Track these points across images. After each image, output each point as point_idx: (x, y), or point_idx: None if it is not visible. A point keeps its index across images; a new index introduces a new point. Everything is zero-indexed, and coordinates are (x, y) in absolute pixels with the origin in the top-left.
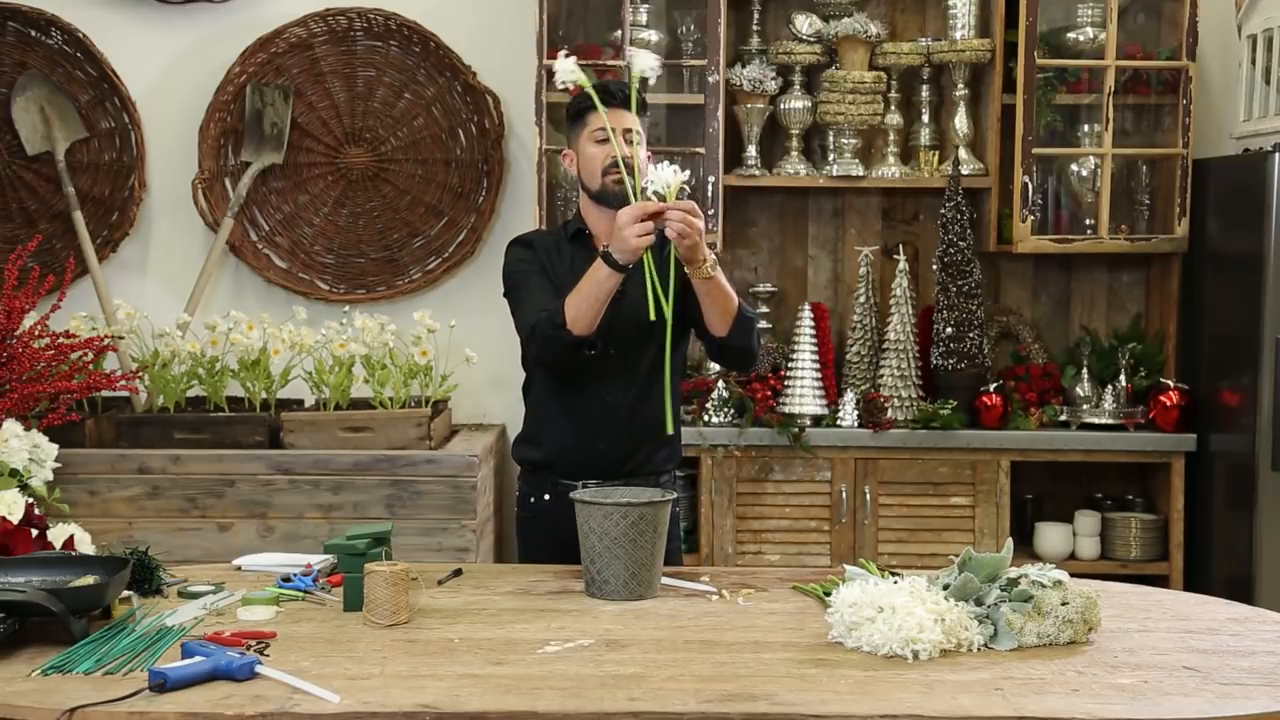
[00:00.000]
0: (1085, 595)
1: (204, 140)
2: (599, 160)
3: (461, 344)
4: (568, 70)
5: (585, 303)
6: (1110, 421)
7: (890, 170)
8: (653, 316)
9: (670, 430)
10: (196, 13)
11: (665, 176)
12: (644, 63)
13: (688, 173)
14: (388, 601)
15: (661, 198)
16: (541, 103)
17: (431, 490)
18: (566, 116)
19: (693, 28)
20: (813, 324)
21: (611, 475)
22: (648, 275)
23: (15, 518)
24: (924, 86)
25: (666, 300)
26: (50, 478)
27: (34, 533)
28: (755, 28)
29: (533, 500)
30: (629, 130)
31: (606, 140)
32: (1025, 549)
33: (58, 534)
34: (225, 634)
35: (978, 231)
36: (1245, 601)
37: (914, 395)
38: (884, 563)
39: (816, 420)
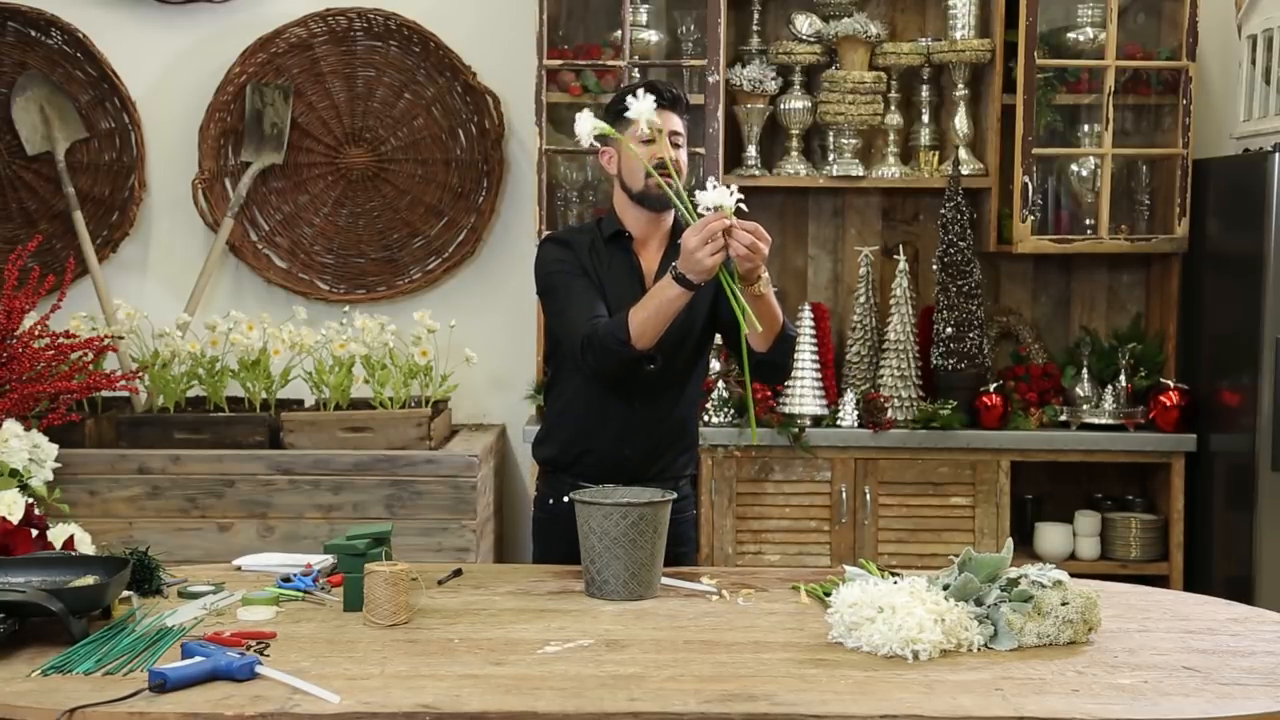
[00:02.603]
0: (1085, 595)
1: (204, 140)
2: (642, 157)
3: (461, 344)
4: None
5: (652, 319)
6: (1110, 421)
7: (890, 170)
8: (745, 330)
9: (759, 328)
10: (196, 13)
11: (717, 198)
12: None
13: (737, 191)
14: (388, 601)
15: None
16: (541, 103)
17: (431, 490)
18: (606, 113)
19: (693, 28)
20: (813, 324)
21: (633, 479)
22: (728, 290)
23: (15, 518)
24: (924, 86)
25: (745, 317)
26: (50, 478)
27: (34, 533)
28: (755, 28)
29: (551, 502)
30: (674, 133)
31: (651, 141)
32: (1025, 549)
33: (58, 534)
34: (225, 634)
35: (978, 231)
36: (1245, 601)
37: (914, 395)
38: (884, 563)
39: (816, 420)
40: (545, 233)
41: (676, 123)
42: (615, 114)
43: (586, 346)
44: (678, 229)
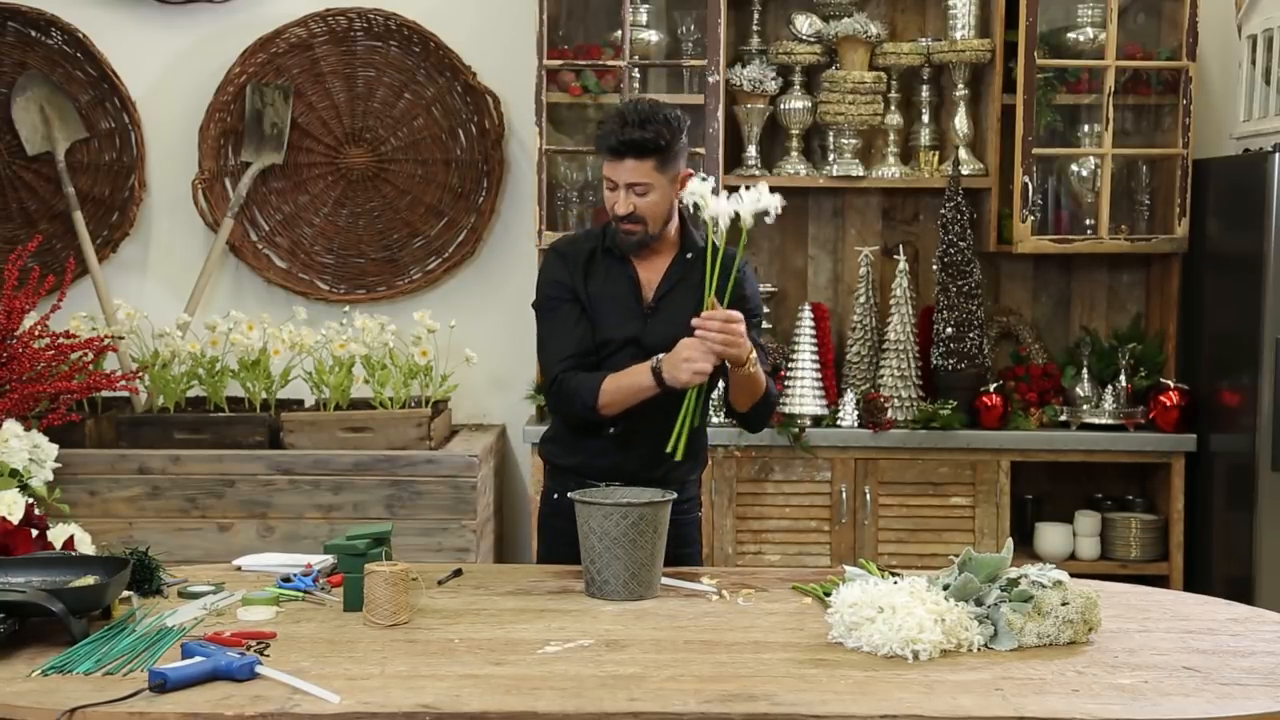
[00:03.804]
0: (1085, 595)
1: (204, 140)
2: (608, 203)
3: (461, 344)
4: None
5: (622, 398)
6: (1110, 422)
7: (890, 170)
8: (673, 453)
9: (679, 457)
10: (196, 13)
11: (717, 206)
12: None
13: (773, 199)
14: (388, 601)
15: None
16: (541, 103)
17: (431, 490)
18: (596, 139)
19: (693, 28)
20: (813, 324)
21: (636, 483)
22: (683, 410)
23: (15, 518)
24: (924, 86)
25: (678, 440)
26: (50, 478)
27: (34, 533)
28: (755, 28)
29: (556, 496)
30: (634, 185)
31: (613, 189)
32: (1025, 549)
33: (58, 534)
34: (225, 634)
35: (978, 231)
36: (1245, 601)
37: (914, 395)
38: (884, 563)
39: (816, 420)
40: (545, 233)
41: (635, 172)
42: (600, 144)
43: (556, 391)
44: (688, 239)
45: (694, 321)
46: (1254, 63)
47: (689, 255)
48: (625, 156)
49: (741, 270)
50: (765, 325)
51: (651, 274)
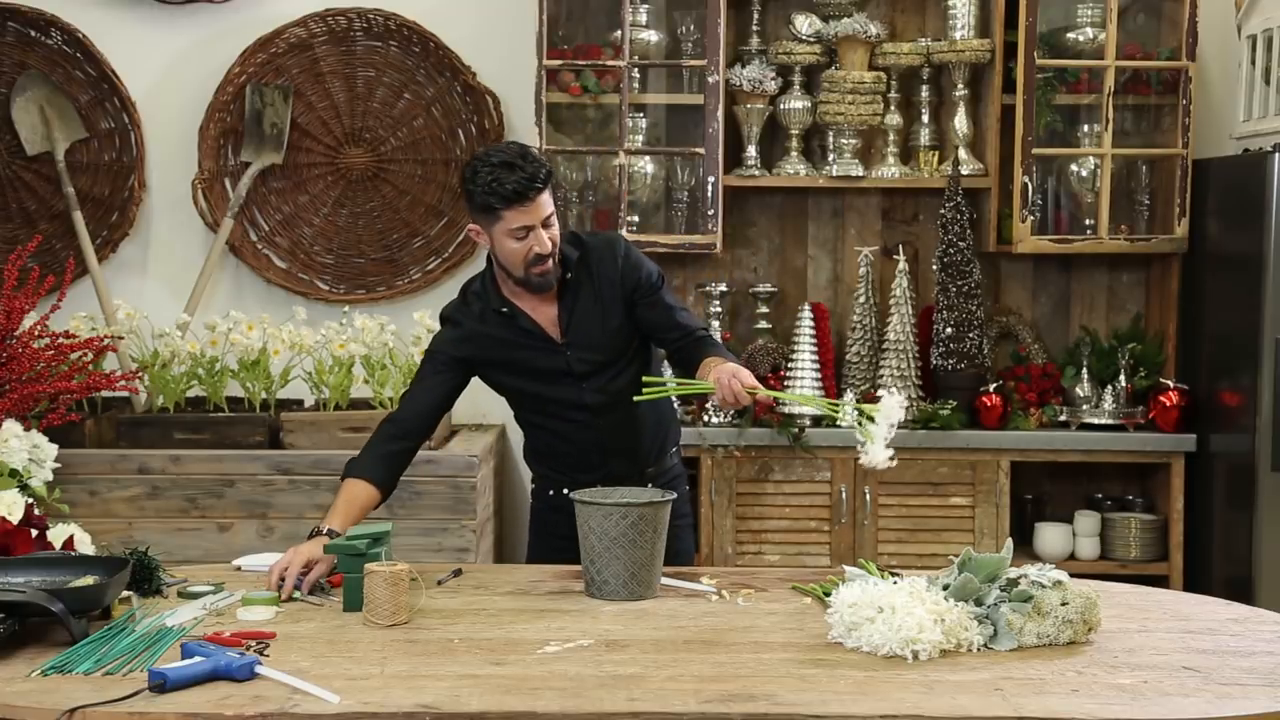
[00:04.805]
0: (1085, 595)
1: (204, 140)
2: (521, 254)
3: None
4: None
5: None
6: (1110, 422)
7: (890, 170)
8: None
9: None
10: (196, 13)
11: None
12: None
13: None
14: (388, 601)
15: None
16: (541, 103)
17: (431, 490)
18: (468, 198)
19: (693, 28)
20: (812, 324)
21: (622, 480)
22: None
23: (15, 518)
24: (924, 86)
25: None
26: (50, 478)
27: (34, 533)
28: (755, 28)
29: (551, 493)
30: (547, 218)
31: (525, 236)
32: (1025, 549)
33: (58, 534)
34: (225, 634)
35: (978, 231)
36: (1245, 601)
37: (914, 395)
38: (884, 563)
39: (816, 420)
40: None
41: (547, 203)
42: (479, 207)
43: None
44: (565, 264)
45: (740, 387)
46: (1254, 63)
47: (569, 274)
48: (537, 194)
49: (626, 257)
50: (765, 325)
51: (549, 307)
